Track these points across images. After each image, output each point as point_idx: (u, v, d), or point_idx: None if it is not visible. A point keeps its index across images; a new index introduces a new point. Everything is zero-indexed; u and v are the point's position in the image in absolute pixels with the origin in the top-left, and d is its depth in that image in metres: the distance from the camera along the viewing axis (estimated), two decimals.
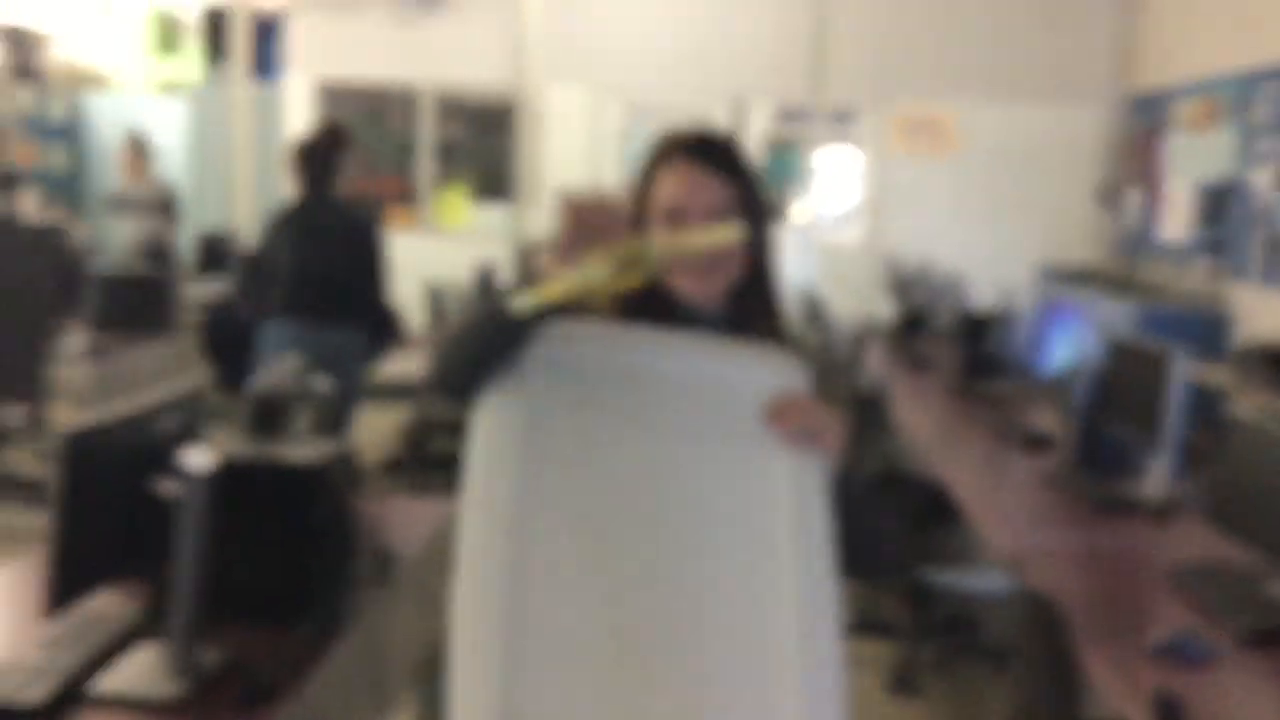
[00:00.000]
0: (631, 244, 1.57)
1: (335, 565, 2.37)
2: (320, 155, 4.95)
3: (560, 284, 1.53)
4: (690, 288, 1.76)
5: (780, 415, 1.59)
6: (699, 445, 1.58)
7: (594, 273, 1.52)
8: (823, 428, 1.60)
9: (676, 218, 1.75)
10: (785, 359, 1.69)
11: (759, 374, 1.63)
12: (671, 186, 1.76)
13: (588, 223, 1.55)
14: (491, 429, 1.56)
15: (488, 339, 1.61)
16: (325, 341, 4.62)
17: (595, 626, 1.44)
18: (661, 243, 1.63)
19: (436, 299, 7.39)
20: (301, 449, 2.43)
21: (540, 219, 10.03)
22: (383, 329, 4.99)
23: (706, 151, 1.78)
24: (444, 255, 9.38)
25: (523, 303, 1.55)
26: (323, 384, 2.76)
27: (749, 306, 1.82)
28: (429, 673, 3.21)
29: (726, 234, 1.65)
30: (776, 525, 1.53)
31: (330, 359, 4.06)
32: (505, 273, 8.39)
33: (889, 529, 1.74)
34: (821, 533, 1.55)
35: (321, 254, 4.80)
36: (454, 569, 1.46)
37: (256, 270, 5.07)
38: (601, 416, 1.57)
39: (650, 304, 1.75)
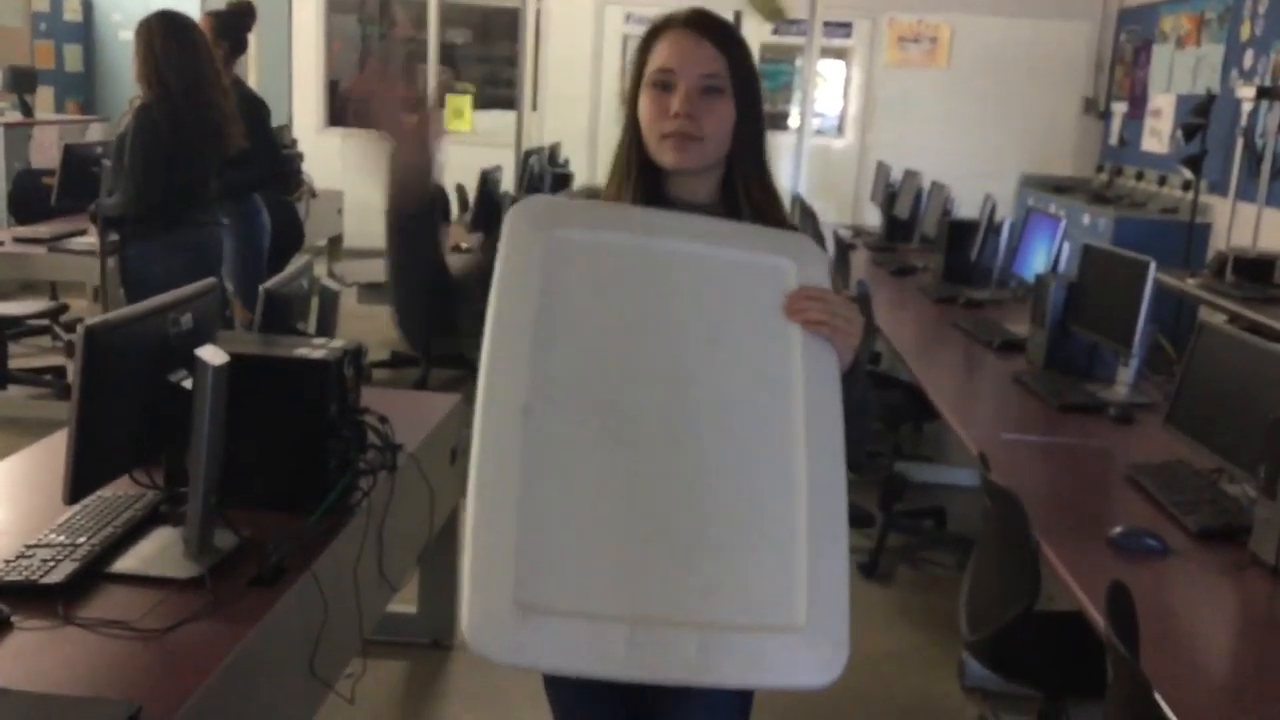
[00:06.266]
0: None
1: (343, 455, 2.46)
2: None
3: None
4: (673, 161, 1.75)
5: (802, 305, 1.59)
6: (718, 327, 1.56)
7: None
8: (843, 322, 1.60)
9: (665, 80, 1.75)
10: (812, 247, 1.68)
11: (783, 260, 1.63)
12: (664, 52, 1.77)
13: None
14: (506, 307, 1.50)
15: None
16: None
17: (611, 502, 1.42)
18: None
19: (443, 202, 7.51)
20: (311, 345, 2.51)
21: (543, 124, 10.12)
22: None
23: (699, 22, 1.78)
24: (450, 159, 9.44)
25: None
26: (332, 282, 2.84)
27: (745, 195, 1.81)
28: (430, 555, 3.36)
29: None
30: (792, 407, 1.53)
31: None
32: (508, 176, 8.44)
33: (871, 426, 1.78)
34: (834, 417, 1.55)
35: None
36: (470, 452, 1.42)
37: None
38: (622, 296, 1.56)
39: (647, 201, 1.77)
